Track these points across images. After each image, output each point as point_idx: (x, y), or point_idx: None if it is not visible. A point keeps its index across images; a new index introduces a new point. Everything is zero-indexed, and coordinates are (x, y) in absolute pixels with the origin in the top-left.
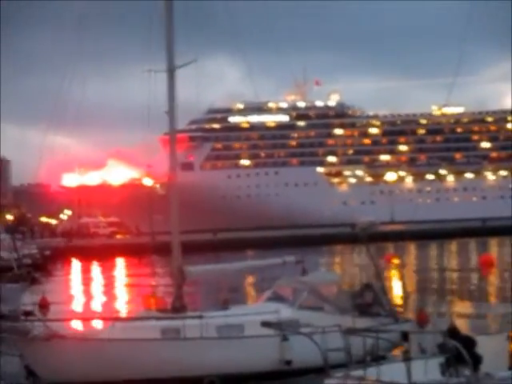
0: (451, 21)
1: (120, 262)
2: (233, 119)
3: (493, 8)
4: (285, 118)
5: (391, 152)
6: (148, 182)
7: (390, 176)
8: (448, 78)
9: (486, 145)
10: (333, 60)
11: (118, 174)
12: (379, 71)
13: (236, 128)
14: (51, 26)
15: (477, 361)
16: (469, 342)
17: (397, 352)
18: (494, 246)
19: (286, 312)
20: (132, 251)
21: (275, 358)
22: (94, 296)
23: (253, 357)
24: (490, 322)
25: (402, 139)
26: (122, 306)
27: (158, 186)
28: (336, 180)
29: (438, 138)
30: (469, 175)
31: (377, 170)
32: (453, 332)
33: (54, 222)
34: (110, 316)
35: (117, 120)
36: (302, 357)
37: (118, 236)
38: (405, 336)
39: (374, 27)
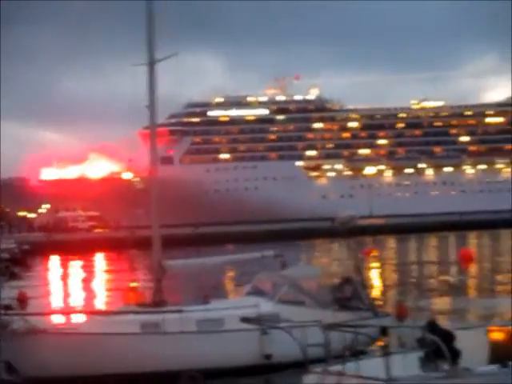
0: (432, 18)
1: (99, 257)
2: (212, 113)
3: (475, 4)
4: (264, 112)
5: (370, 146)
6: (127, 175)
7: (369, 170)
8: (429, 73)
9: (464, 139)
10: (314, 54)
11: (98, 167)
12: (361, 66)
13: (215, 122)
14: (34, 23)
15: (456, 355)
16: (448, 337)
17: (376, 347)
18: (472, 240)
19: (265, 306)
20: (111, 245)
21: (255, 352)
22: (74, 291)
23: (233, 351)
24: (469, 317)
25: (381, 133)
26: (102, 301)
27: (137, 179)
28: (315, 174)
29: (417, 132)
30: (448, 169)
31: (356, 163)
32: (432, 326)
33: (32, 216)
34: (89, 310)
35: (101, 115)
36: (281, 351)
37: (98, 230)
38: (384, 331)
39: (356, 23)
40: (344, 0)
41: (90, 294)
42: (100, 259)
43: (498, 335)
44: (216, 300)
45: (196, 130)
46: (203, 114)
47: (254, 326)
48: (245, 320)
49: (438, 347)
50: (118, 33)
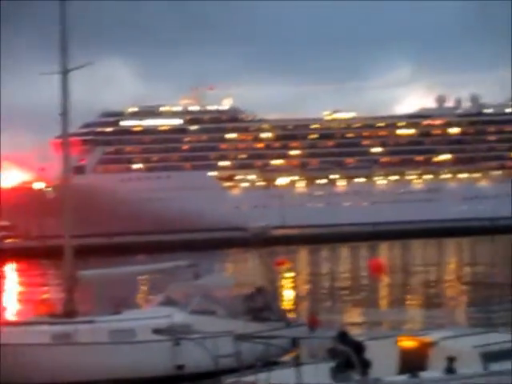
0: (344, 29)
1: (11, 267)
2: (125, 123)
3: (387, 16)
4: (178, 122)
5: (283, 156)
6: (39, 185)
7: (282, 180)
8: (342, 84)
9: (376, 150)
10: (229, 65)
11: (9, 176)
12: (275, 76)
13: (128, 132)
14: None
15: (366, 365)
16: (358, 347)
17: (288, 357)
18: (384, 250)
19: (178, 317)
20: (23, 255)
21: (167, 362)
22: None
23: (145, 361)
24: (380, 327)
25: (293, 144)
26: (13, 312)
27: (49, 189)
28: (228, 184)
29: (330, 143)
30: (360, 180)
31: (269, 174)
32: (343, 337)
33: None
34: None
35: (14, 122)
36: (194, 362)
37: (9, 240)
38: (295, 341)
39: (271, 34)
40: (258, 10)
41: (0, 305)
42: (11, 269)
43: (407, 345)
44: (128, 310)
45: (109, 139)
46: (116, 123)
47: (166, 337)
48: (157, 331)
49: (349, 357)
50: (32, 40)
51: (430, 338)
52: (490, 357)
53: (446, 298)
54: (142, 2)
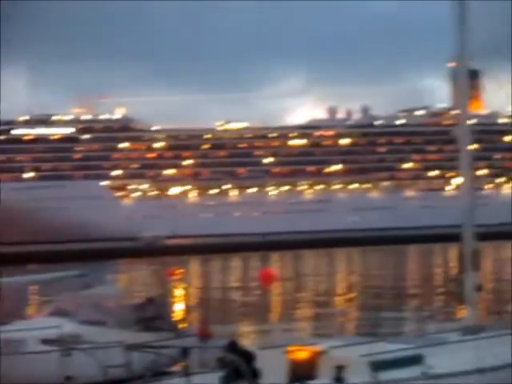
0: (237, 39)
1: None
2: (17, 131)
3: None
4: (70, 131)
5: (176, 166)
6: None
7: (174, 190)
8: (234, 94)
9: (268, 160)
10: (123, 74)
11: None
12: (169, 86)
13: (20, 140)
14: None
15: (255, 375)
16: (248, 356)
17: (178, 367)
18: (275, 260)
19: (68, 327)
20: None
21: (56, 373)
22: None
23: (34, 372)
24: (271, 336)
25: (186, 154)
26: None
27: None
28: (120, 194)
29: (222, 153)
30: (251, 190)
31: (161, 183)
32: (232, 346)
33: None
34: None
35: None
36: (83, 372)
37: None
38: (186, 351)
39: (164, 43)
40: (154, 25)
41: None
42: None
43: (297, 354)
44: (17, 321)
45: (0, 148)
46: (8, 132)
47: (55, 348)
48: (46, 342)
49: (238, 367)
50: None
51: (319, 347)
52: (378, 366)
53: (336, 308)
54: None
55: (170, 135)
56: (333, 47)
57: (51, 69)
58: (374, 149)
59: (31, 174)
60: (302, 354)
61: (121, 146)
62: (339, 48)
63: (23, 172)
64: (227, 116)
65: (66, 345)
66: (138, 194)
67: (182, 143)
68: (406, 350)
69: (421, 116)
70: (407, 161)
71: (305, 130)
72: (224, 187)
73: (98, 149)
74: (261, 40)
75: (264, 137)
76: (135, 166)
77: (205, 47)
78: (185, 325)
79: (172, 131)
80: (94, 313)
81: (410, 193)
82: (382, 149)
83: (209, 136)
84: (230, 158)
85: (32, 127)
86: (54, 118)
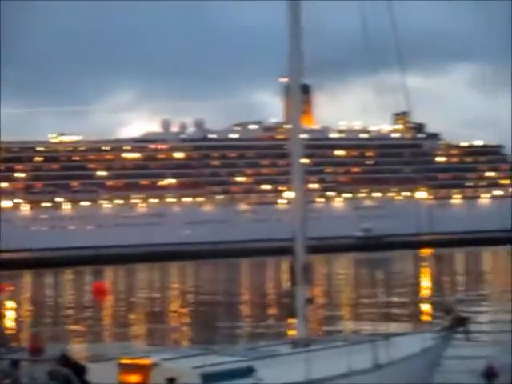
0: (74, 52)
1: None
2: None
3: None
4: None
5: (7, 179)
6: None
7: (6, 203)
8: (68, 107)
9: (102, 173)
10: None
11: None
12: (4, 96)
13: None
14: None
15: None
16: (80, 369)
17: (7, 381)
18: (108, 274)
19: None
20: None
21: None
22: None
23: None
24: (106, 350)
25: (18, 166)
26: None
27: None
28: None
29: (55, 166)
30: (85, 203)
31: None
32: (64, 360)
33: None
34: None
35: None
36: None
37: None
38: (15, 364)
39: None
40: None
41: None
42: None
43: (127, 367)
44: None
45: None
46: None
47: None
48: None
49: (69, 380)
50: None
51: (150, 359)
52: (209, 378)
53: (169, 321)
54: None
55: (3, 147)
56: (166, 62)
57: None
58: (207, 162)
59: None
60: (132, 366)
61: None
62: (174, 63)
63: None
64: (63, 129)
65: None
66: None
67: (13, 155)
68: (237, 362)
69: (254, 130)
70: (240, 175)
71: (139, 143)
72: (57, 200)
73: None
74: (97, 52)
75: (98, 150)
76: None
77: (39, 56)
78: (16, 340)
79: (4, 143)
80: None
81: (243, 206)
82: (216, 162)
83: (42, 148)
84: (64, 170)
85: None
86: None
